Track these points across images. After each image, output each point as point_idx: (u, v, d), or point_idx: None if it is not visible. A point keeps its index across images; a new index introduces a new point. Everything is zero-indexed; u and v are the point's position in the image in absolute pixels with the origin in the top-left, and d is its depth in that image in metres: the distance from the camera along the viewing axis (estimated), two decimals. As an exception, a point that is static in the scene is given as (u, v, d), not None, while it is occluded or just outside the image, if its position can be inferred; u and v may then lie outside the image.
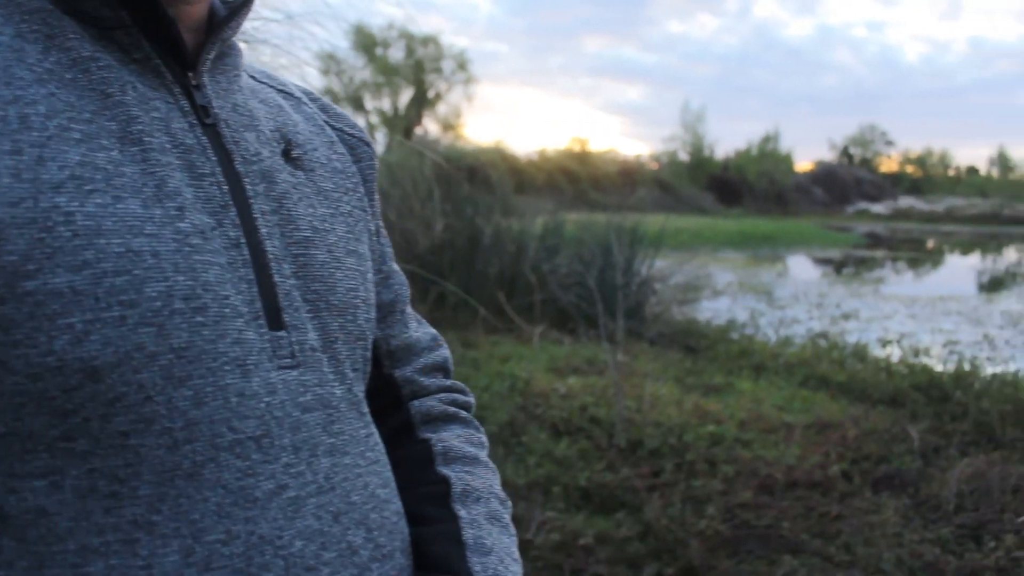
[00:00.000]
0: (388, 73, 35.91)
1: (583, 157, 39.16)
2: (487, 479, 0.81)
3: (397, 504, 0.73)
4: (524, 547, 2.99)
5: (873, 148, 63.82)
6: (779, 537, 3.16)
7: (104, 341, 0.55)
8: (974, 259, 21.87)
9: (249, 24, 2.53)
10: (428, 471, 0.80)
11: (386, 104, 37.10)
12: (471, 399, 0.91)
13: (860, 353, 6.49)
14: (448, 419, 0.86)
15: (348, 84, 34.66)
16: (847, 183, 50.31)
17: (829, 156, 62.05)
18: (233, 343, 0.61)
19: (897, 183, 57.61)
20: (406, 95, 37.17)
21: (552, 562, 2.94)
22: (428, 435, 0.83)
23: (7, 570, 0.56)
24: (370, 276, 0.79)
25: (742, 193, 43.37)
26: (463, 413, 0.88)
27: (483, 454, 0.84)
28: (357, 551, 0.66)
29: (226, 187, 0.66)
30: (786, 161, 50.33)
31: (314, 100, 0.85)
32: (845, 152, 62.94)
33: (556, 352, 6.08)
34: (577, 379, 5.19)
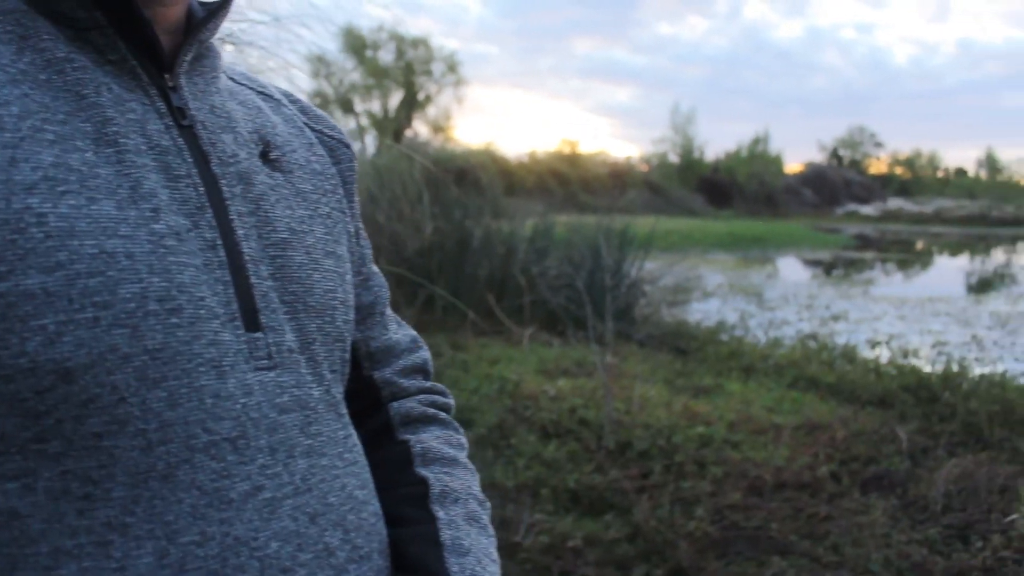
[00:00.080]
0: (378, 75, 35.91)
1: (573, 159, 39.19)
2: (466, 480, 0.81)
3: (375, 505, 0.73)
4: (513, 549, 2.98)
5: (862, 150, 64.19)
6: (768, 538, 3.16)
7: (77, 342, 0.55)
8: (963, 260, 21.96)
9: (236, 26, 2.53)
10: (407, 472, 0.80)
11: (376, 106, 37.18)
12: (451, 401, 0.91)
13: (849, 354, 6.51)
14: (427, 421, 0.86)
15: (338, 87, 34.68)
16: (836, 185, 50.52)
17: (819, 158, 62.42)
18: (208, 344, 0.61)
19: (886, 185, 57.94)
20: (396, 97, 37.25)
21: (541, 564, 2.94)
22: (407, 436, 0.83)
23: None
24: (349, 278, 0.78)
25: (732, 195, 43.50)
26: (442, 415, 0.88)
27: (462, 455, 0.84)
28: (334, 552, 0.66)
29: (202, 189, 0.66)
30: (776, 163, 50.52)
31: (294, 102, 0.85)
32: (834, 154, 63.22)
33: (545, 354, 6.08)
34: (566, 381, 5.18)
